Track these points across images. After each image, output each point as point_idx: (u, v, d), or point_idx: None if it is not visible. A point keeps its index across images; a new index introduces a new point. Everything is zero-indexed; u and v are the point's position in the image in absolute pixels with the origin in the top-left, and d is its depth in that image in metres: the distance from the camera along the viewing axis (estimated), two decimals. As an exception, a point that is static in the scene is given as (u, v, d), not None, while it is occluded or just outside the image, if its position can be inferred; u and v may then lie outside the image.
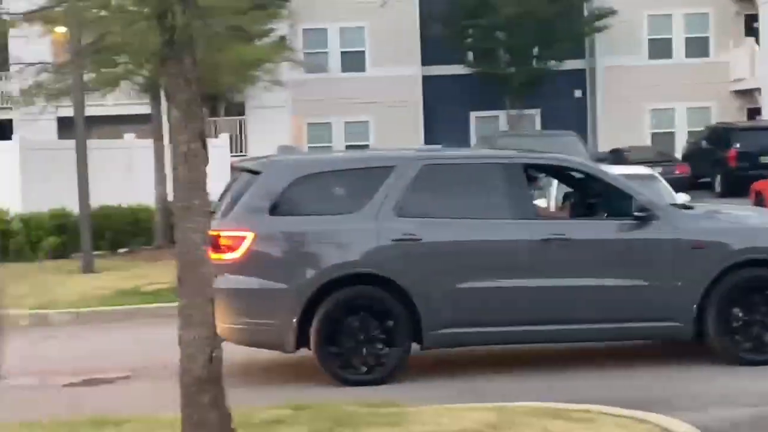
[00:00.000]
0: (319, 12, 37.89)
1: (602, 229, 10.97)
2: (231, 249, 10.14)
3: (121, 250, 22.36)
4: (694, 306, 10.36)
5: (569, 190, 12.73)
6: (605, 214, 10.83)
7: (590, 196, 11.71)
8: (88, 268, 19.08)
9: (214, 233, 9.85)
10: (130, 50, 22.03)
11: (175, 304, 6.89)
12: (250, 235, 10.08)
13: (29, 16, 9.17)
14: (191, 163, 6.47)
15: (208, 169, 6.89)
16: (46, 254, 19.96)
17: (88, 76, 22.57)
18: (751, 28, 39.50)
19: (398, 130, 36.85)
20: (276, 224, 10.40)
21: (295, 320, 9.98)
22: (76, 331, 14.19)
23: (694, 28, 40.44)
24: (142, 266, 19.32)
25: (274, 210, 10.36)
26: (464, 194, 10.98)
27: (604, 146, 37.26)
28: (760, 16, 38.25)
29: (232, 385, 8.28)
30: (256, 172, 10.65)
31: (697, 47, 40.43)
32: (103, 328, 14.42)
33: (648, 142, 38.99)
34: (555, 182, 14.55)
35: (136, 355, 11.96)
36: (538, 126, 39.61)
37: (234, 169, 11.65)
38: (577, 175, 11.70)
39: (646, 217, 10.45)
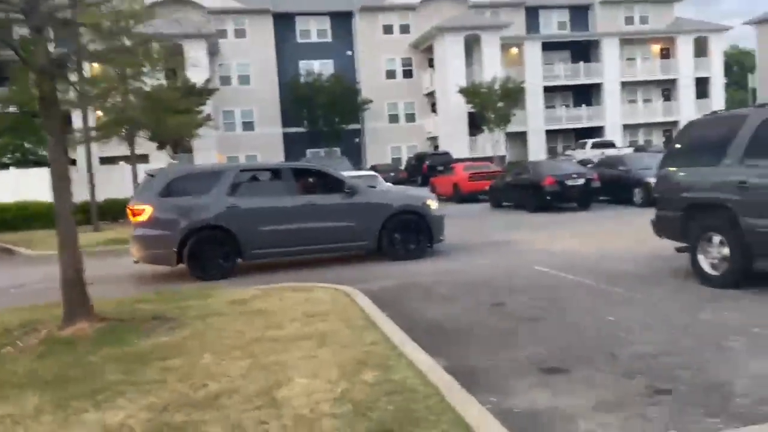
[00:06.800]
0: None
1: (331, 198, 17.77)
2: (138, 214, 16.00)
3: (121, 221, 36.63)
4: (376, 233, 17.67)
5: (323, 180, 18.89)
6: (332, 191, 17.53)
7: (326, 182, 18.59)
8: (97, 229, 33.68)
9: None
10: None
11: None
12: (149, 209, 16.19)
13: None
14: (61, 169, 9.67)
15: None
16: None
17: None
18: (434, 109, 77.83)
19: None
20: (165, 202, 16.13)
21: (174, 249, 16.20)
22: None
23: (409, 108, 79.78)
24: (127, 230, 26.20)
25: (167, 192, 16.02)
26: (264, 184, 17.47)
27: (369, 163, 73.58)
28: (437, 104, 75.60)
29: (131, 284, 14.73)
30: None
31: (410, 117, 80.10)
32: (97, 258, 21.73)
33: (389, 161, 75.73)
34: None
35: (106, 271, 18.18)
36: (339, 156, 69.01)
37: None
38: (321, 172, 18.60)
39: (351, 192, 17.60)
